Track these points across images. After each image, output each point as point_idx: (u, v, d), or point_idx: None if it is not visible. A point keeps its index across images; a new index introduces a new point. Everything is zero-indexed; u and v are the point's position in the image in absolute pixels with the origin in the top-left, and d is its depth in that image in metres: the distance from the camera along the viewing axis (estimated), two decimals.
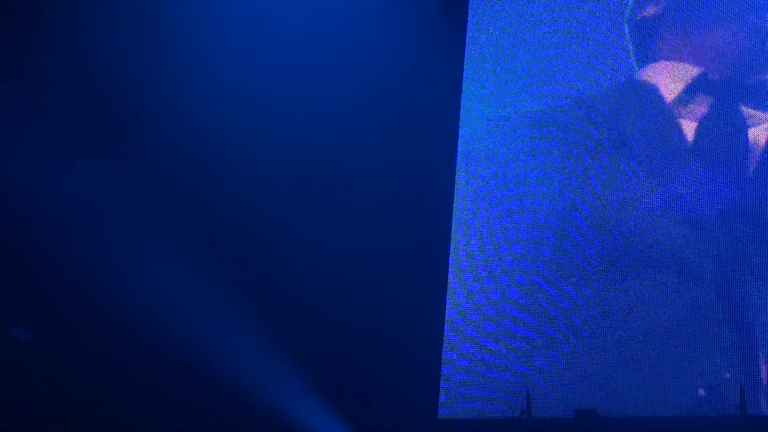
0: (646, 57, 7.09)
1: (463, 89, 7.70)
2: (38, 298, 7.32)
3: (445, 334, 7.20)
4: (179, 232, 7.31)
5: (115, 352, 7.24)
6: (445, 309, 7.22)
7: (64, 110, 7.50)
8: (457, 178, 7.48)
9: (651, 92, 7.03)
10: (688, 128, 6.87)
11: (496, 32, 7.70)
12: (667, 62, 7.00)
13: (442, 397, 7.10)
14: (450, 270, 7.31)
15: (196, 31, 7.66)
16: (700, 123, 6.81)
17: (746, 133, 6.72)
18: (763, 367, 6.38)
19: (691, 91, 6.88)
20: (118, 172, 7.39)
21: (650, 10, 7.11)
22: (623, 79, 7.14)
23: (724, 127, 6.76)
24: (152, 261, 7.23)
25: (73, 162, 7.32)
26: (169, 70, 7.59)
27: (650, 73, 7.05)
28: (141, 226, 7.34)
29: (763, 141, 6.68)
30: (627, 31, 7.12)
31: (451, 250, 7.35)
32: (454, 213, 7.40)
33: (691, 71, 6.88)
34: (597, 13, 7.28)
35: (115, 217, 7.39)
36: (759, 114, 6.71)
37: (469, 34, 7.80)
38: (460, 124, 7.65)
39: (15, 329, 7.14)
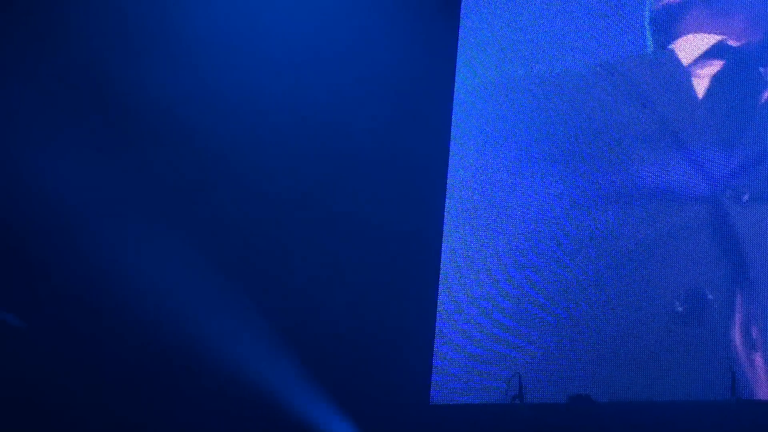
0: (666, 41, 7.11)
1: (456, 83, 7.71)
2: (44, 295, 7.30)
3: (437, 320, 7.21)
4: (178, 230, 7.30)
5: (118, 350, 7.23)
6: (437, 295, 7.24)
7: (75, 111, 7.48)
8: (450, 165, 7.49)
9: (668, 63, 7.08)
10: (700, 86, 6.93)
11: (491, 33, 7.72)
12: (688, 36, 7.03)
13: (434, 383, 7.11)
14: (443, 257, 7.32)
15: (195, 32, 7.68)
16: (714, 79, 6.85)
17: (763, 93, 6.78)
18: (758, 356, 6.43)
19: (708, 54, 6.92)
20: (122, 171, 7.40)
21: None
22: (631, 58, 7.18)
23: (738, 83, 6.79)
24: (152, 258, 7.22)
25: (80, 162, 7.32)
26: (171, 71, 7.59)
27: (669, 49, 7.08)
28: (144, 224, 7.33)
29: None
30: (647, 17, 7.14)
31: (445, 237, 7.36)
32: (447, 200, 7.42)
33: (711, 39, 6.92)
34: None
35: (119, 215, 7.38)
36: None
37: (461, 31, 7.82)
38: (453, 114, 7.67)
39: (9, 316, 7.09)
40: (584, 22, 7.35)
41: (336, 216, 7.47)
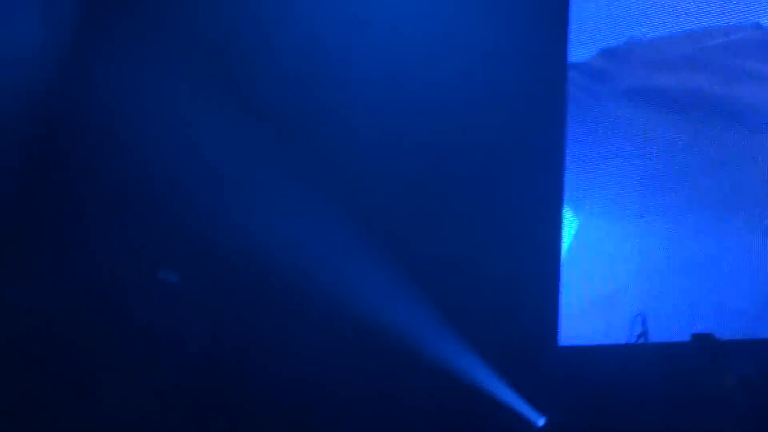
0: None
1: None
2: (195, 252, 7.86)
3: (562, 263, 7.32)
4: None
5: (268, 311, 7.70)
6: (561, 237, 7.33)
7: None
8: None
9: None
10: None
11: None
12: None
13: (561, 325, 7.22)
14: (566, 202, 7.42)
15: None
16: None
17: None
18: None
19: None
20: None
21: None
22: None
23: None
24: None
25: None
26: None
27: None
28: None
29: None
30: None
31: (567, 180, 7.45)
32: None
33: None
34: None
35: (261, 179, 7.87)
36: None
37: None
38: None
39: (163, 272, 7.63)
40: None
41: (464, 176, 7.71)
